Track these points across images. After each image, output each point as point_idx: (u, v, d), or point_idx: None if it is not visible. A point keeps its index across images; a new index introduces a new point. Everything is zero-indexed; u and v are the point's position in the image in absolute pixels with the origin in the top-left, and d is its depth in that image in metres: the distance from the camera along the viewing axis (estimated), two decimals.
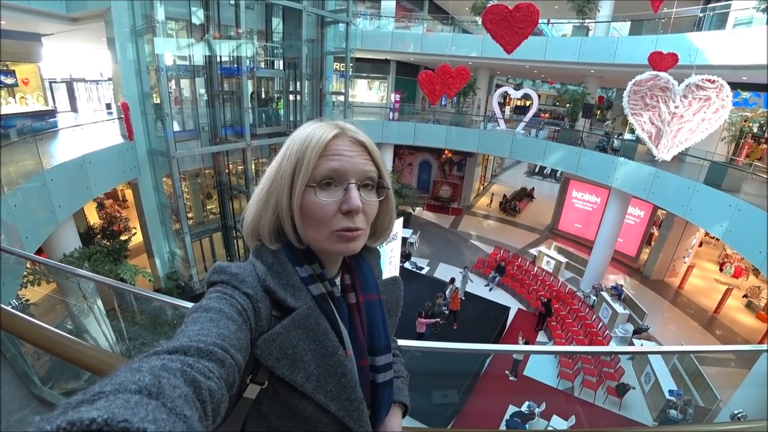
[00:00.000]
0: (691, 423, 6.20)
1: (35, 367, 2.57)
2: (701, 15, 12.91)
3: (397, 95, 16.88)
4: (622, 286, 12.33)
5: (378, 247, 0.88)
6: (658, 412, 7.95)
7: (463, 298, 11.31)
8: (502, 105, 19.03)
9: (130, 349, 4.41)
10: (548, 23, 21.10)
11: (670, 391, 7.98)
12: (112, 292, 4.34)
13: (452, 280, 11.50)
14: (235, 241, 11.39)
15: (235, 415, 0.61)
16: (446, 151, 19.62)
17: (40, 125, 9.42)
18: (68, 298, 4.58)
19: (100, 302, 4.36)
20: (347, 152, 0.69)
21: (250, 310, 0.61)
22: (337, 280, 0.76)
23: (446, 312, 10.54)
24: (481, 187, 23.35)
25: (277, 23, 10.80)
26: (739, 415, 1.18)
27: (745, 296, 12.82)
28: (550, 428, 7.22)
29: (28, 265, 5.25)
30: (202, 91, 10.15)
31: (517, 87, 21.77)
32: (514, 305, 12.23)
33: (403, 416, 0.85)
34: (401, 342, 1.17)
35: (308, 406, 0.64)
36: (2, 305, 1.08)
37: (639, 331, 10.27)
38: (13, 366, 2.26)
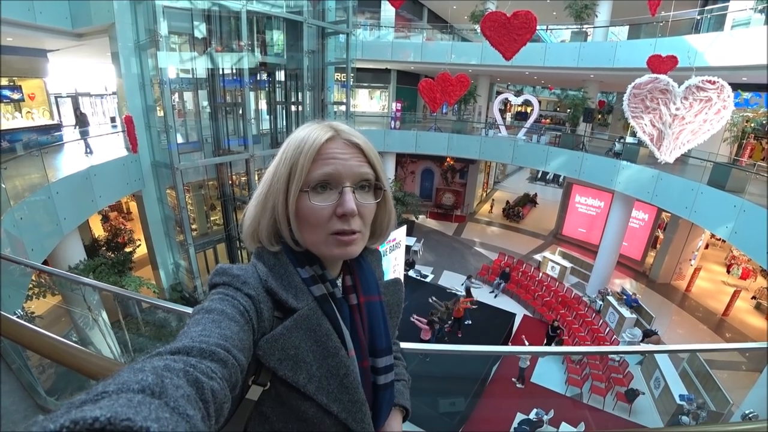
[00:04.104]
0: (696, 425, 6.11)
1: (40, 379, 2.57)
2: (699, 17, 12.97)
3: (398, 104, 16.97)
4: (635, 294, 12.08)
5: (380, 250, 0.88)
6: (669, 417, 7.82)
7: (474, 306, 11.23)
8: (502, 111, 19.07)
9: (135, 361, 4.41)
10: (546, 30, 21.25)
11: (681, 396, 7.86)
12: (117, 303, 4.36)
13: (468, 290, 11.51)
14: (239, 251, 11.41)
15: (237, 417, 0.61)
16: (448, 159, 19.65)
17: (45, 139, 9.53)
18: (73, 310, 4.59)
19: (104, 314, 4.38)
20: (341, 155, 0.68)
21: (252, 311, 0.61)
22: (339, 281, 0.76)
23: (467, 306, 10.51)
24: (484, 194, 23.33)
25: (278, 35, 10.94)
26: (750, 416, 1.16)
27: (753, 298, 12.66)
28: None
29: (34, 278, 5.28)
30: (205, 103, 10.26)
31: (518, 93, 21.84)
32: (519, 311, 12.14)
33: (404, 420, 0.84)
34: (404, 345, 1.17)
35: (310, 408, 0.64)
36: (6, 314, 1.09)
37: (648, 334, 10.14)
38: (18, 377, 2.26)
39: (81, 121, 10.19)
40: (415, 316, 9.38)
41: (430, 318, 9.51)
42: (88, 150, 9.21)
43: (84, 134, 9.63)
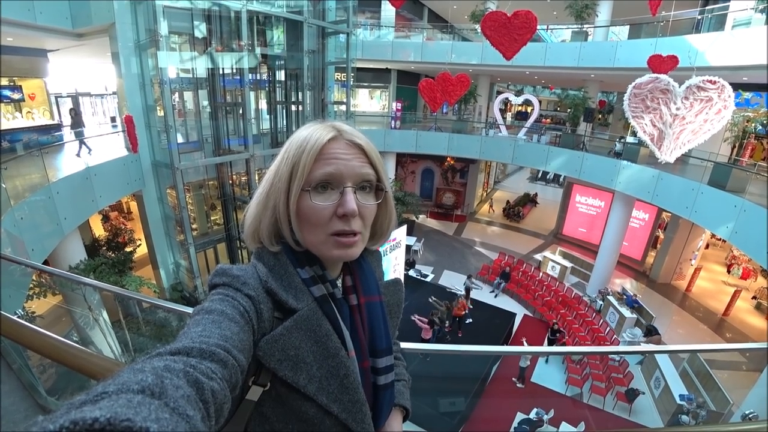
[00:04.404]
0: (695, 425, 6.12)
1: (41, 379, 2.57)
2: (699, 17, 12.96)
3: (398, 104, 16.97)
4: (636, 295, 11.97)
5: (380, 250, 0.88)
6: (670, 417, 7.82)
7: (471, 306, 11.25)
8: (503, 111, 19.08)
9: (135, 361, 4.41)
10: (547, 29, 21.23)
11: (681, 396, 7.86)
12: (117, 303, 4.36)
13: (468, 290, 11.50)
14: (240, 251, 11.41)
15: (237, 417, 0.61)
16: (448, 159, 19.65)
17: (46, 139, 9.52)
18: (74, 310, 4.60)
19: (105, 313, 4.38)
20: (343, 155, 0.68)
21: (252, 312, 0.61)
22: (339, 282, 0.76)
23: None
24: (485, 194, 23.34)
25: (278, 35, 10.94)
26: (750, 416, 1.16)
27: (754, 297, 12.66)
28: None
29: (34, 277, 5.29)
30: (205, 103, 10.26)
31: (518, 93, 21.85)
32: (519, 311, 12.14)
33: (404, 420, 0.85)
34: (404, 345, 1.17)
35: (310, 408, 0.64)
36: (7, 314, 1.09)
37: (651, 331, 10.13)
38: (19, 377, 2.26)
39: (75, 121, 9.92)
40: (416, 316, 9.39)
41: (431, 318, 9.52)
42: (89, 151, 9.05)
43: (78, 135, 9.38)
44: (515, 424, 7.44)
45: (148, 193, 9.39)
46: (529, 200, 22.17)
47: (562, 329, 10.57)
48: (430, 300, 10.55)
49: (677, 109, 6.43)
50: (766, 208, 7.35)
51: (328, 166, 0.67)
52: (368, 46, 16.60)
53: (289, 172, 0.68)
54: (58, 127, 12.15)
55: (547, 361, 9.79)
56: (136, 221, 12.16)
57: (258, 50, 10.14)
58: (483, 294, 12.70)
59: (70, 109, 10.93)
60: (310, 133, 0.69)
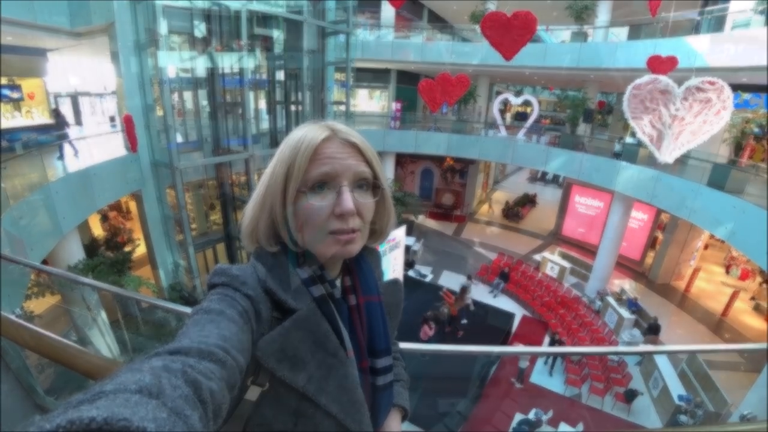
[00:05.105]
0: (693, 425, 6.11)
1: (39, 378, 2.57)
2: (699, 18, 12.98)
3: (398, 104, 16.96)
4: (636, 299, 11.87)
5: (380, 250, 0.88)
6: (668, 417, 7.83)
7: (473, 308, 11.23)
8: (502, 112, 19.04)
9: (133, 361, 4.41)
10: (547, 30, 21.23)
11: (680, 396, 7.87)
12: (116, 302, 4.36)
13: (463, 289, 11.49)
14: (239, 251, 11.41)
15: (236, 417, 0.61)
16: (448, 159, 19.65)
17: (45, 138, 9.50)
18: (72, 309, 4.59)
19: (103, 313, 4.37)
20: (338, 154, 0.68)
21: (251, 312, 0.61)
22: (338, 282, 0.76)
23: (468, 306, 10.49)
24: (484, 194, 23.35)
25: (278, 35, 10.94)
26: (748, 417, 1.16)
27: (752, 298, 12.67)
28: None
29: (33, 277, 5.28)
30: (205, 102, 10.25)
31: (518, 94, 21.85)
32: (518, 311, 12.15)
33: (403, 420, 0.85)
34: (404, 345, 1.17)
35: (309, 408, 0.63)
36: (6, 314, 1.09)
37: (651, 329, 10.11)
38: (17, 377, 2.26)
39: (57, 122, 9.56)
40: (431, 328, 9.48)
41: (429, 316, 9.53)
42: (58, 155, 8.35)
43: (62, 138, 8.89)
44: (514, 424, 7.44)
45: (148, 192, 9.38)
46: (528, 201, 22.18)
47: (563, 339, 10.51)
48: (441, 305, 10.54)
49: (676, 110, 6.43)
50: (766, 209, 7.36)
51: (323, 165, 0.67)
52: (368, 46, 16.58)
53: (284, 173, 0.68)
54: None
55: (551, 374, 9.64)
56: (135, 221, 12.13)
57: (257, 50, 10.14)
58: (482, 294, 12.70)
59: (53, 110, 10.71)
60: (305, 133, 0.69)
